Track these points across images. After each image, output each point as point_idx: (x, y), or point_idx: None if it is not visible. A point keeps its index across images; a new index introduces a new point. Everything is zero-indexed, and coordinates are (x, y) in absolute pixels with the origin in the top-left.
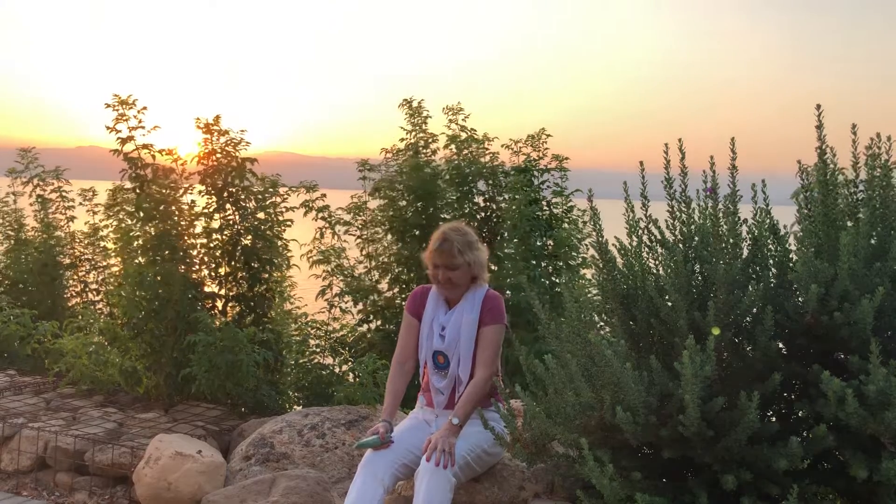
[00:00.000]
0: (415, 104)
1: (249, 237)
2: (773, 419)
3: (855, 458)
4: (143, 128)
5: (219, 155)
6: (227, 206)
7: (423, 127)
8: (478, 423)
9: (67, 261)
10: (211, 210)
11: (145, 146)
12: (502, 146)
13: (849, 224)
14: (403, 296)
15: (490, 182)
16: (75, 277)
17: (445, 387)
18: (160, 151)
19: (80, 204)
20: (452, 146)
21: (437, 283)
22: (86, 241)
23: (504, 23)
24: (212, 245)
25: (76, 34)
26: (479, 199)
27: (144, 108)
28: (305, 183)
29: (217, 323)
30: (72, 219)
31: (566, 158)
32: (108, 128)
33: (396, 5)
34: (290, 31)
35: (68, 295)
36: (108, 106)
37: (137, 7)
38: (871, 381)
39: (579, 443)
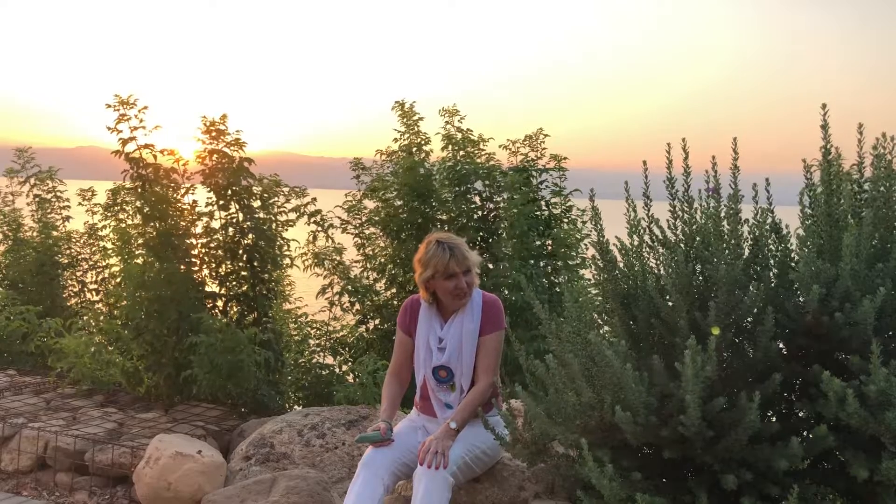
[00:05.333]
0: (406, 106)
1: (251, 236)
2: (774, 419)
3: (855, 458)
4: (144, 128)
5: (220, 154)
6: (231, 205)
7: (417, 128)
8: (477, 424)
9: (65, 261)
10: (214, 209)
11: (147, 146)
12: (500, 146)
13: (851, 222)
14: (400, 295)
15: (487, 182)
16: (73, 277)
17: (454, 400)
18: (161, 151)
19: (80, 204)
20: (450, 147)
21: (457, 295)
22: (82, 241)
23: (506, 29)
24: (213, 244)
25: (77, 33)
26: (476, 199)
27: (145, 107)
28: (296, 188)
29: (216, 321)
30: (67, 219)
31: (564, 158)
32: (109, 128)
33: (407, 7)
34: (289, 32)
35: (66, 295)
36: (109, 106)
37: (138, 6)
38: (871, 381)
39: (579, 443)
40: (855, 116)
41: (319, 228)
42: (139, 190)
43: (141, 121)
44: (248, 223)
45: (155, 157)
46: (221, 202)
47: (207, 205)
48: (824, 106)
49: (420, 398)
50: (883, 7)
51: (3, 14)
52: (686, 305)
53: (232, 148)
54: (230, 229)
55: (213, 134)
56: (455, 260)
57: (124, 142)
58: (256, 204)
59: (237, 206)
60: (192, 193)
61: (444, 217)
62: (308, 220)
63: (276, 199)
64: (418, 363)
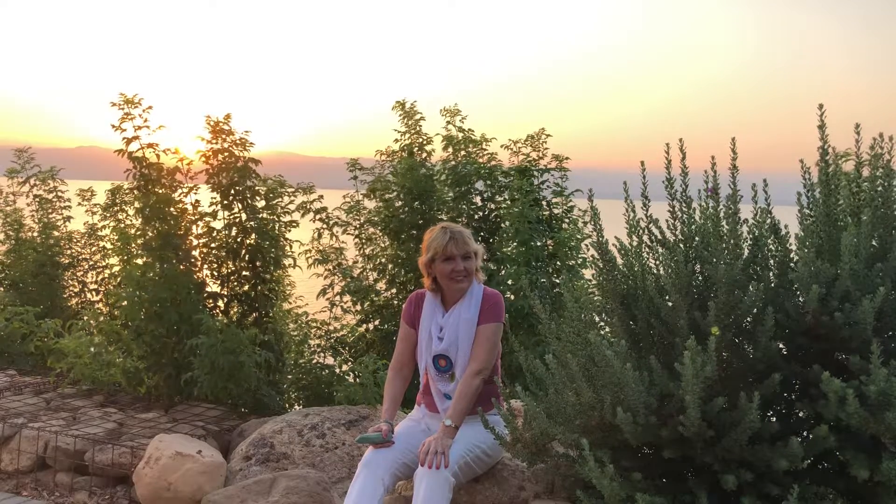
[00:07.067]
0: (408, 106)
1: (254, 236)
2: (774, 419)
3: (855, 458)
4: (148, 127)
5: (225, 154)
6: (234, 205)
7: (418, 128)
8: (478, 425)
9: (66, 261)
10: (217, 209)
11: (150, 145)
12: (501, 146)
13: (849, 222)
14: (401, 296)
15: (488, 182)
16: (74, 277)
17: (453, 390)
18: (165, 151)
19: (79, 204)
20: (450, 147)
21: (454, 278)
22: (83, 242)
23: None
24: (214, 244)
25: (77, 33)
26: (477, 199)
27: (150, 107)
28: (302, 184)
29: (217, 322)
30: (68, 219)
31: (566, 158)
32: (113, 126)
33: (407, 7)
34: (289, 32)
35: (67, 295)
36: (114, 105)
37: (138, 6)
38: (871, 381)
39: (580, 443)
40: (857, 117)
41: (324, 226)
42: (140, 190)
43: (145, 120)
44: (252, 223)
45: (158, 156)
46: (225, 202)
47: (211, 205)
48: (821, 106)
49: (422, 393)
50: (886, 7)
51: (3, 14)
52: (686, 305)
53: (238, 148)
54: (233, 229)
55: (219, 133)
56: (454, 243)
57: (128, 141)
58: (260, 204)
59: (240, 206)
60: (195, 193)
61: (445, 217)
62: (314, 216)
63: (279, 199)
64: (420, 352)
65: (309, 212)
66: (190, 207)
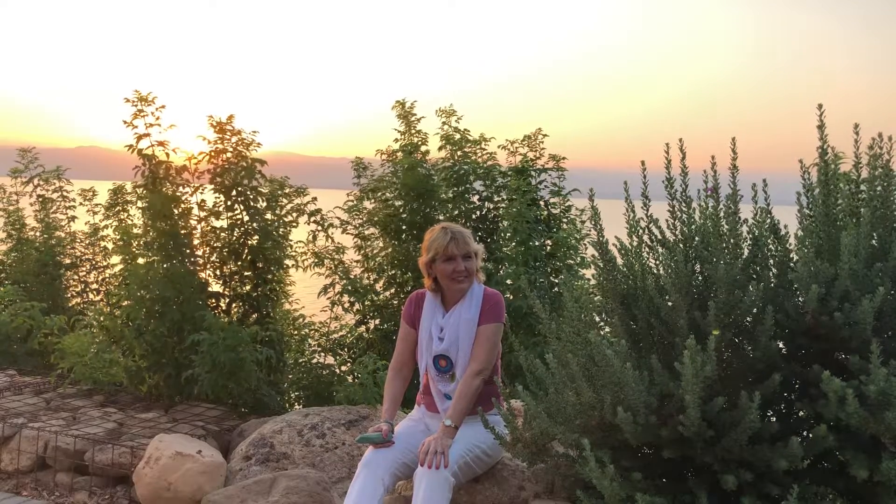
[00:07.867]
0: (407, 105)
1: (256, 237)
2: (774, 419)
3: (855, 458)
4: (159, 125)
5: (229, 154)
6: (236, 205)
7: (416, 127)
8: (478, 424)
9: (68, 261)
10: (219, 209)
11: (160, 143)
12: (499, 146)
13: (849, 222)
14: (400, 296)
15: (486, 182)
16: (76, 277)
17: (453, 390)
18: (174, 150)
19: (81, 204)
20: (447, 146)
21: (455, 279)
22: (86, 241)
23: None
24: (217, 244)
25: (77, 34)
26: (475, 199)
27: (162, 106)
28: (296, 187)
29: (218, 319)
30: (72, 219)
31: (563, 158)
32: (125, 122)
33: (410, 7)
34: (289, 32)
35: (69, 295)
36: (128, 101)
37: (138, 6)
38: (871, 381)
39: (580, 443)
40: (857, 117)
41: (319, 228)
42: (147, 188)
43: (157, 118)
44: (254, 224)
45: (167, 154)
46: (227, 203)
47: (214, 205)
48: (820, 106)
49: (422, 393)
50: (886, 7)
51: (3, 14)
52: (686, 305)
53: (243, 147)
54: (236, 230)
55: (226, 133)
56: (455, 243)
57: (139, 137)
58: (263, 205)
59: (242, 207)
60: (202, 193)
61: (443, 217)
62: (308, 219)
63: (282, 200)
64: (421, 353)
65: (303, 214)
66: (196, 207)
